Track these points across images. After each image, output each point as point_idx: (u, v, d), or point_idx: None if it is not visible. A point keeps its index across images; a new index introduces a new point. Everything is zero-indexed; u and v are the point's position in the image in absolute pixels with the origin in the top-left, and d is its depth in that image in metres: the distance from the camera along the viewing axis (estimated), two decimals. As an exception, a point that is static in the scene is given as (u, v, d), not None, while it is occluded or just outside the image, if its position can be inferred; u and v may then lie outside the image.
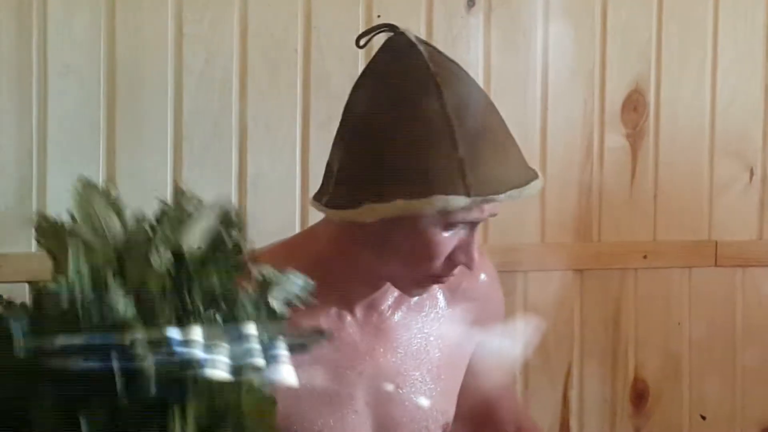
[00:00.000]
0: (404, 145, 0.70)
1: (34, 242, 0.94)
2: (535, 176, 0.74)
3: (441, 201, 0.71)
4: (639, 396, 1.11)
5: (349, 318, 0.80)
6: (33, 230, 0.46)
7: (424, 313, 0.85)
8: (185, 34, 0.97)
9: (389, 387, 0.83)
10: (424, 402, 0.83)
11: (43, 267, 0.46)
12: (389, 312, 0.83)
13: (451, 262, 0.75)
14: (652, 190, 1.10)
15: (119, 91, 0.97)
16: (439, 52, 0.73)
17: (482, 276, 0.88)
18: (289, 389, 0.52)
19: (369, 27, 0.98)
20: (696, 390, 1.12)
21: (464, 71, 0.73)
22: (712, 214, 1.12)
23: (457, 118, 0.72)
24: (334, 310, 0.79)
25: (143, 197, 0.50)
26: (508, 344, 0.87)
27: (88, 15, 0.96)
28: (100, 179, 0.97)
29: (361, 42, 0.76)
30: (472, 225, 0.75)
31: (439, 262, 0.75)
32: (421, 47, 0.73)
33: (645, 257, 1.10)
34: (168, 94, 0.97)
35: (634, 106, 1.08)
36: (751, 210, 1.13)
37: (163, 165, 0.98)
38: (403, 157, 0.70)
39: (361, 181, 0.72)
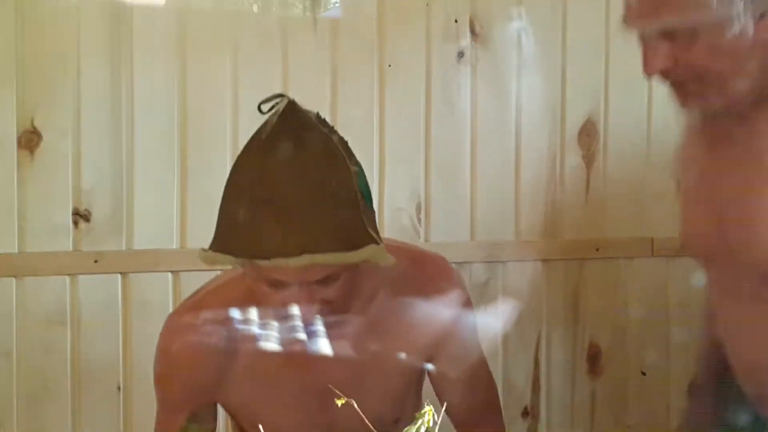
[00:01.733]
0: (222, 202, 0.74)
1: (126, 241, 1.18)
2: (339, 248, 0.71)
3: (211, 257, 0.74)
4: (593, 358, 1.36)
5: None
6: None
7: (374, 309, 0.86)
8: (240, 82, 1.22)
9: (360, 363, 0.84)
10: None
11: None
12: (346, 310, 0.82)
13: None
14: (603, 198, 1.35)
15: (189, 126, 1.21)
16: (300, 125, 0.74)
17: (428, 270, 0.91)
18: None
19: (381, 76, 1.24)
20: (637, 353, 1.38)
21: (305, 144, 0.73)
22: (650, 215, 1.37)
23: (252, 185, 0.72)
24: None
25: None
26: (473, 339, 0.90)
27: (165, 66, 1.19)
28: (175, 194, 1.21)
29: (263, 108, 0.76)
30: (291, 284, 0.73)
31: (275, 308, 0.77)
32: (278, 119, 0.74)
33: (597, 250, 1.35)
34: (227, 129, 1.21)
35: (588, 133, 1.33)
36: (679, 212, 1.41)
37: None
38: (219, 213, 0.74)
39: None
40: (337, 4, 1.24)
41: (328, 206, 0.72)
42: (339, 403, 0.56)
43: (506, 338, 1.28)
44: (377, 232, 0.76)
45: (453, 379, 0.90)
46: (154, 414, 0.89)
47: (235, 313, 0.83)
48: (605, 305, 1.36)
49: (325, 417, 0.81)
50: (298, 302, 0.76)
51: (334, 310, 0.78)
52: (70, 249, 1.17)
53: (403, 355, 0.86)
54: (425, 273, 0.89)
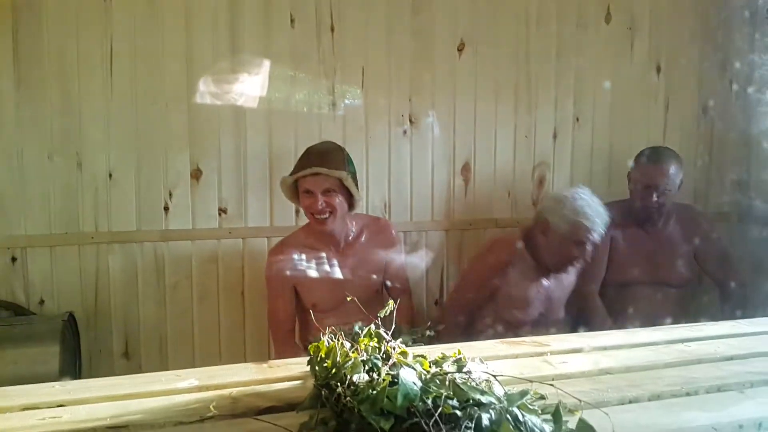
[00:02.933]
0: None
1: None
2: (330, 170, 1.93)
3: (283, 181, 2.01)
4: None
5: (332, 248, 2.09)
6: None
7: (356, 244, 2.10)
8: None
9: (352, 273, 2.06)
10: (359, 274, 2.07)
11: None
12: (344, 245, 2.08)
13: (308, 209, 1.98)
14: (472, 200, 2.69)
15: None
16: (334, 146, 2.10)
17: (381, 225, 2.16)
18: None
19: (367, 143, 2.52)
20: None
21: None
22: (496, 207, 2.75)
23: (307, 153, 2.01)
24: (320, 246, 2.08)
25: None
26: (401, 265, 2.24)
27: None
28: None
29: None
30: (314, 192, 1.94)
31: (306, 209, 2.00)
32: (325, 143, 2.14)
33: (470, 225, 2.66)
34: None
35: (467, 169, 2.65)
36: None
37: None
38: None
39: None
40: (350, 101, 2.50)
41: (334, 162, 1.94)
42: (348, 298, 1.90)
43: (427, 271, 2.62)
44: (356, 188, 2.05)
45: (393, 280, 2.17)
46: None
47: (299, 246, 2.10)
48: (469, 252, 2.71)
49: (344, 289, 2.02)
50: (318, 203, 1.94)
51: (333, 217, 1.98)
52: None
53: (373, 261, 2.13)
54: (382, 226, 2.19)
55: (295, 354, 2.00)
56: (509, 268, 2.13)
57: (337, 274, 2.05)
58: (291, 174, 2.02)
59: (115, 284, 2.33)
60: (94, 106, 2.26)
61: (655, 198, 2.35)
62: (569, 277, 2.23)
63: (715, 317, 2.25)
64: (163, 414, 0.95)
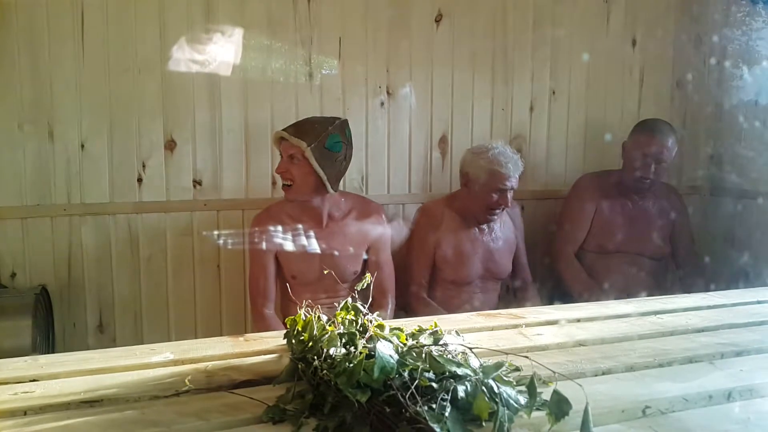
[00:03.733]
0: None
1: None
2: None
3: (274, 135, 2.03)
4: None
5: (314, 222, 2.05)
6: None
7: (340, 223, 2.07)
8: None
9: (333, 250, 2.04)
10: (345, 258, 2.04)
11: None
12: (328, 221, 2.04)
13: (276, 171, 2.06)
14: (448, 174, 2.70)
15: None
16: (342, 122, 2.03)
17: (371, 210, 2.11)
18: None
19: (345, 114, 2.49)
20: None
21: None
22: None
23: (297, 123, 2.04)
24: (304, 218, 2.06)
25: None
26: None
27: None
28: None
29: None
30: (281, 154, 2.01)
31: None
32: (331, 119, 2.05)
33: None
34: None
35: (444, 141, 2.62)
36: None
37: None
38: None
39: None
40: (327, 72, 2.47)
41: (306, 133, 1.93)
42: (326, 272, 1.86)
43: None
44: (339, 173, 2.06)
45: (374, 260, 2.15)
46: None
47: (283, 215, 2.08)
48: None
49: (323, 263, 2.02)
50: (279, 168, 1.97)
51: (296, 189, 1.99)
52: None
53: (356, 242, 2.12)
54: (372, 209, 2.17)
55: (274, 326, 2.01)
56: (440, 229, 2.27)
57: (316, 247, 2.05)
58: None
59: (89, 257, 2.30)
60: (66, 74, 2.20)
61: (652, 169, 2.38)
62: (506, 232, 2.34)
63: (682, 291, 2.30)
64: (138, 388, 0.94)
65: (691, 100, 2.92)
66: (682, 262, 2.57)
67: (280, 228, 2.06)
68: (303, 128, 1.98)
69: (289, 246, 2.06)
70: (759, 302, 1.48)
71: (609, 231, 2.48)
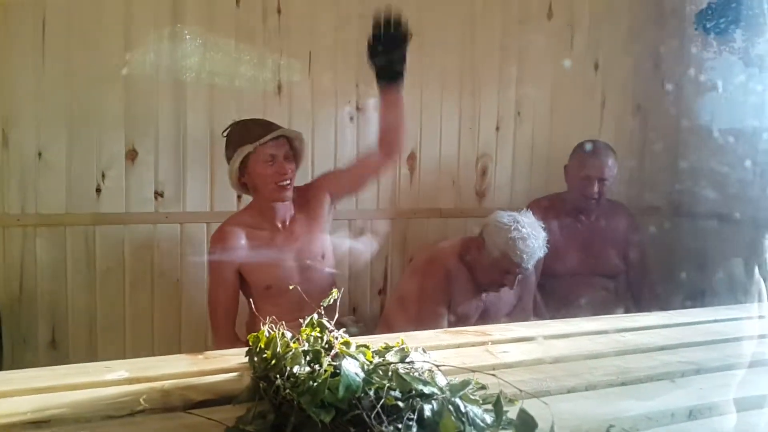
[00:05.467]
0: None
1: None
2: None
3: (240, 151, 1.86)
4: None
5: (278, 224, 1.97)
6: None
7: (297, 216, 1.98)
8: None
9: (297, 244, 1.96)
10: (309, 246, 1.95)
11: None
12: (289, 220, 1.95)
13: (272, 178, 1.87)
14: (417, 191, 2.70)
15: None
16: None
17: (311, 191, 2.01)
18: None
19: (313, 128, 2.47)
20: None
21: None
22: (440, 197, 2.76)
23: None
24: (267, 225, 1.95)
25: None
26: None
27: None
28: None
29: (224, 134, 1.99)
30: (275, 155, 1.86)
31: (269, 178, 1.88)
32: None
33: (414, 214, 2.71)
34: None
35: (412, 158, 2.65)
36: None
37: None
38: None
39: None
40: (291, 89, 2.45)
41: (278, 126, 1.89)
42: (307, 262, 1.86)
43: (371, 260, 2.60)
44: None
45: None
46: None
47: (243, 227, 2.01)
48: (414, 241, 2.72)
49: (297, 264, 1.97)
50: (284, 167, 1.86)
51: (292, 185, 1.91)
52: None
53: (315, 227, 2.01)
54: (315, 189, 2.08)
55: (236, 345, 1.93)
56: (452, 279, 2.12)
57: (287, 250, 1.96)
58: (239, 148, 1.89)
59: (42, 270, 2.21)
60: (25, 80, 2.13)
61: (595, 188, 2.42)
62: (508, 295, 2.23)
63: (641, 308, 2.33)
64: (90, 408, 0.90)
65: (650, 123, 3.00)
66: (633, 280, 2.60)
67: (243, 241, 1.98)
68: (276, 124, 1.95)
69: (257, 257, 1.95)
70: (716, 321, 1.51)
71: (564, 254, 2.49)
